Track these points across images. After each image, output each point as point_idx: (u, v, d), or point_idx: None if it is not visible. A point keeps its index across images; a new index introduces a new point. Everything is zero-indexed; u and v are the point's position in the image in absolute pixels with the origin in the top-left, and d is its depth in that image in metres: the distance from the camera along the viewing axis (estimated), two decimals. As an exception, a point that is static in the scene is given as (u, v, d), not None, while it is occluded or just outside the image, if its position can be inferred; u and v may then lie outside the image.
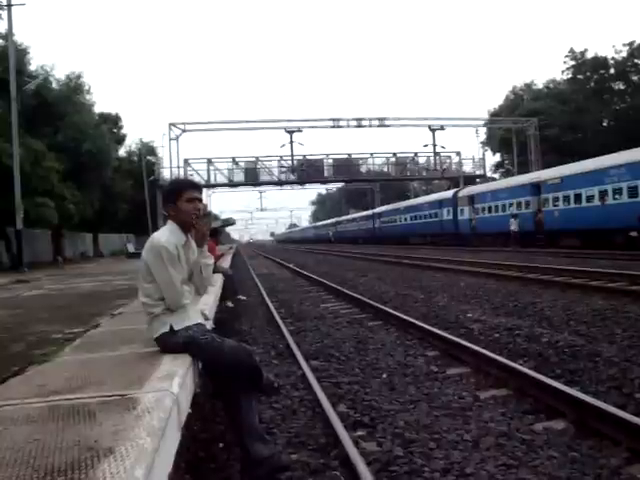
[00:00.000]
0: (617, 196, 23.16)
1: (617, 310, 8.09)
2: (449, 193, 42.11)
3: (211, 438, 3.70)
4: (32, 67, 29.36)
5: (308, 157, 47.86)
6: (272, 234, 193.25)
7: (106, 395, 2.60)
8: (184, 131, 45.43)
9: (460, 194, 39.14)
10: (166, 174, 46.07)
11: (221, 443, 3.62)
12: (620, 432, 3.42)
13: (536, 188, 29.43)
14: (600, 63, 53.15)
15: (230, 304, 10.78)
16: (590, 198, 24.78)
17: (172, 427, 2.38)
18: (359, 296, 10.73)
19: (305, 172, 47.92)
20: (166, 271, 3.26)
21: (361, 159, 50.55)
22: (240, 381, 3.12)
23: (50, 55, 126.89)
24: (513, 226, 29.52)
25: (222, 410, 3.59)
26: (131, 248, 42.01)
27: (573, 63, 54.97)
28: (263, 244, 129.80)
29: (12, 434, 2.13)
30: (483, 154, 55.29)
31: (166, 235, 3.37)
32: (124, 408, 2.36)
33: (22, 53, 27.16)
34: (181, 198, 3.43)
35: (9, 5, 21.82)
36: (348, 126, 46.90)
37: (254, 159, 47.60)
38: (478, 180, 48.37)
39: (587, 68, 53.90)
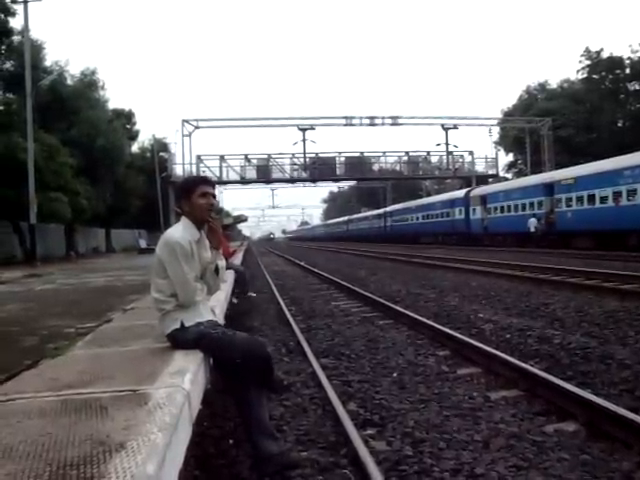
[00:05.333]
0: (631, 197, 22.98)
1: (630, 312, 8.02)
2: (461, 193, 41.96)
3: (221, 434, 3.71)
4: (47, 63, 29.63)
5: (320, 155, 47.84)
6: (283, 231, 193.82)
7: (118, 390, 2.61)
8: (197, 127, 45.53)
9: (472, 194, 39.00)
10: (178, 170, 46.31)
11: (231, 439, 3.63)
12: (632, 435, 3.39)
13: (549, 188, 29.25)
14: (616, 63, 52.63)
15: (248, 295, 10.95)
16: (604, 199, 24.62)
17: (183, 423, 2.39)
18: (370, 294, 10.70)
19: (317, 170, 47.91)
20: (180, 267, 3.27)
21: (373, 157, 50.43)
22: (252, 373, 3.11)
23: (65, 51, 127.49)
24: (533, 227, 29.20)
25: (233, 406, 3.60)
26: (143, 244, 42.30)
27: (588, 63, 54.42)
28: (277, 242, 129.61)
29: (25, 427, 2.14)
30: (496, 154, 54.92)
31: (180, 231, 3.39)
32: (136, 403, 2.37)
33: (37, 49, 27.36)
34: (194, 193, 3.44)
35: (25, 1, 21.99)
36: (361, 124, 46.84)
37: (266, 156, 47.64)
38: (490, 180, 48.16)
39: (602, 68, 53.37)
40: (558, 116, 49.99)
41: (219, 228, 3.58)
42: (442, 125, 47.54)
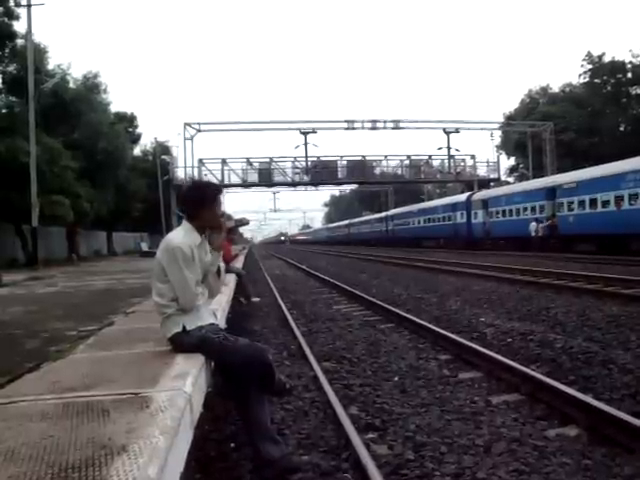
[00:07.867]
0: (633, 201, 22.94)
1: (632, 316, 8.01)
2: (463, 196, 41.89)
3: (223, 438, 3.71)
4: (50, 66, 29.56)
5: (322, 158, 47.79)
6: (285, 235, 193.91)
7: (120, 393, 2.62)
8: (199, 131, 45.54)
9: (474, 197, 38.96)
10: (180, 174, 46.30)
11: (232, 443, 3.63)
12: (634, 440, 3.38)
13: (551, 192, 29.21)
14: (618, 67, 52.67)
15: (251, 300, 10.93)
16: (606, 203, 24.56)
17: (185, 426, 2.40)
18: (371, 298, 10.70)
19: (319, 173, 47.87)
20: (181, 272, 3.27)
21: (375, 161, 50.43)
22: (253, 379, 3.12)
23: (67, 54, 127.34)
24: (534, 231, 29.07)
25: (234, 410, 3.60)
26: (145, 247, 42.27)
27: (590, 67, 54.47)
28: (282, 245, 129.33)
29: (27, 430, 2.15)
30: (498, 157, 54.83)
31: (181, 236, 3.39)
32: (138, 406, 2.37)
33: (40, 52, 27.32)
34: (214, 202, 3.46)
35: (29, 5, 22.03)
36: (362, 128, 46.80)
37: (268, 160, 47.61)
38: (492, 184, 48.13)
39: (604, 72, 53.40)
40: (560, 120, 50.00)
41: (225, 231, 3.59)
42: (444, 129, 47.45)
